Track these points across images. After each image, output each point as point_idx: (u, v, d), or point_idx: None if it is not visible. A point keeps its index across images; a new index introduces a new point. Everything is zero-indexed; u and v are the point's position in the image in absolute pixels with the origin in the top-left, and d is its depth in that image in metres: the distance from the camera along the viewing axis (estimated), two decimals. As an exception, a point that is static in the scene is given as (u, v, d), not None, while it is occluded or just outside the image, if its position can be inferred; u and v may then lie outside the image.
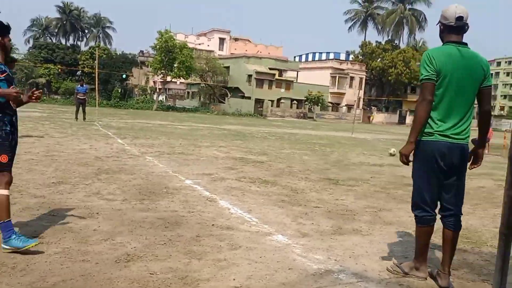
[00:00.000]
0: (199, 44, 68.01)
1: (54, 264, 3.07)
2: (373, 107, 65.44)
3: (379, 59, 66.30)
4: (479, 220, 5.26)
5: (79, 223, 4.04)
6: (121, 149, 9.82)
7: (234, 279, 3.01)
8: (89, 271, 2.97)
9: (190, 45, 51.78)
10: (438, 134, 3.08)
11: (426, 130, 3.12)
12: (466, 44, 3.16)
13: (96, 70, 21.92)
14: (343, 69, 63.44)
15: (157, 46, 44.33)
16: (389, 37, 71.05)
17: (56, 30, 67.35)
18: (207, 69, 52.56)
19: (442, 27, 3.20)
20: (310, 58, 71.19)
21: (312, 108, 55.41)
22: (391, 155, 12.55)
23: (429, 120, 3.10)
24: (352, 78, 63.56)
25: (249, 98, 52.83)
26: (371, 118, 58.56)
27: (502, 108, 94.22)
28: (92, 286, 2.76)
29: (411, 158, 3.19)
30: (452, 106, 3.08)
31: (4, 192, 3.29)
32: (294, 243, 3.92)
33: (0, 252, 3.23)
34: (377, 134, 29.22)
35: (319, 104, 55.42)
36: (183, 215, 4.56)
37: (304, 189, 6.57)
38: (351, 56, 70.64)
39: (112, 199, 5.04)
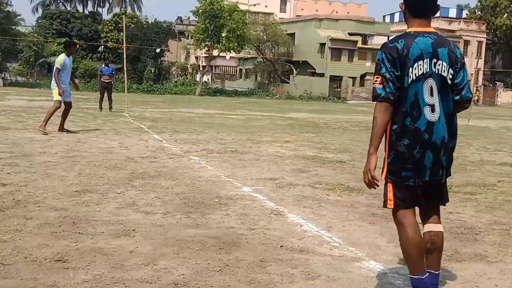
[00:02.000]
0: (254, 5, 68.48)
1: (84, 294, 3.26)
2: (498, 83, 62.61)
3: (506, 15, 63.24)
4: None
5: (111, 242, 4.26)
6: (158, 147, 10.17)
7: (313, 319, 3.04)
8: (127, 304, 3.12)
9: (242, 7, 52.38)
10: None
11: None
12: None
13: (124, 45, 22.69)
14: (453, 31, 61.31)
15: (200, 11, 45.33)
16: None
17: (70, -6, 70.25)
18: (265, 38, 52.96)
19: None
20: (406, 18, 69.30)
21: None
22: None
23: None
24: (467, 43, 61.27)
25: (322, 75, 52.60)
26: (476, 97, 56.26)
27: None
28: (132, 323, 2.91)
29: None
30: None
31: None
32: (393, 273, 3.88)
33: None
34: (505, 120, 27.97)
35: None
36: (242, 233, 4.66)
37: (403, 198, 6.46)
38: (464, 13, 68.16)
39: (151, 212, 5.25)
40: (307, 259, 4.06)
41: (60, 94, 11.62)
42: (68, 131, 11.77)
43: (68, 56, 11.89)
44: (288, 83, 53.11)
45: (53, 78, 11.82)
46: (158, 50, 55.80)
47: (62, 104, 11.80)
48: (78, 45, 54.47)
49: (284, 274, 3.72)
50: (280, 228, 4.90)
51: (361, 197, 6.44)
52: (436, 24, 62.13)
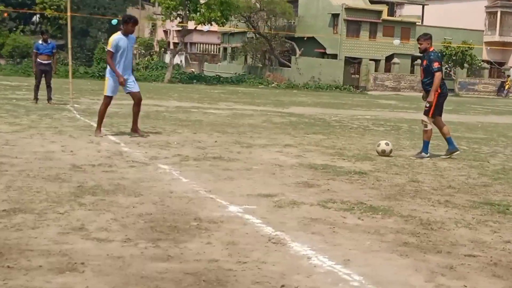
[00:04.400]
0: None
1: None
2: None
3: None
4: None
5: (53, 280, 4.23)
6: (115, 152, 10.15)
7: None
8: None
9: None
10: None
11: None
12: None
13: (68, 14, 22.62)
14: (509, -1, 61.65)
15: (171, -31, 45.27)
16: None
17: None
18: (258, 6, 53.06)
19: None
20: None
21: (452, 72, 54.35)
22: (383, 153, 11.34)
23: None
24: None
25: (334, 56, 52.77)
26: (507, 85, 56.53)
27: None
28: None
29: None
30: None
31: None
32: (433, 322, 3.88)
33: None
34: None
35: (466, 64, 54.27)
36: (229, 268, 4.64)
37: (445, 222, 6.49)
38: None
39: (106, 239, 5.23)
40: (317, 304, 4.06)
41: (121, 84, 12.02)
42: (141, 134, 12.35)
43: (125, 35, 12.06)
44: (290, 67, 53.18)
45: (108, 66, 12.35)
46: (114, 22, 55.60)
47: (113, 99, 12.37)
48: (5, 14, 54.37)
49: (287, 324, 3.71)
50: (281, 262, 4.88)
51: (389, 220, 6.45)
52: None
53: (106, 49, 12.38)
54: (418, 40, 11.59)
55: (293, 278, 4.54)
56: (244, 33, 57.88)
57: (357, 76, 53.24)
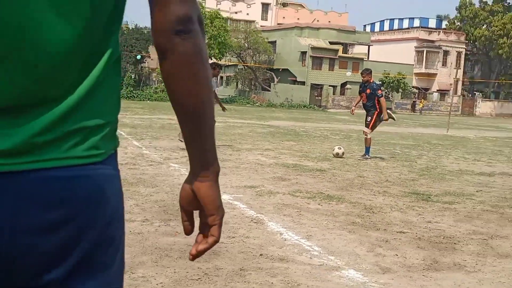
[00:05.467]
0: (236, 12, 68.69)
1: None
2: (476, 93, 63.54)
3: (485, 26, 64.38)
4: None
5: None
6: (138, 154, 10.11)
7: (292, 328, 3.04)
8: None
9: (224, 14, 52.51)
10: None
11: None
12: None
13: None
14: (433, 41, 62.22)
15: (181, 17, 45.27)
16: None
17: None
18: (246, 45, 53.09)
19: None
20: (386, 27, 70.30)
21: (390, 96, 54.62)
22: (337, 155, 11.31)
23: None
24: (446, 53, 62.22)
25: (303, 83, 52.87)
26: (421, 104, 55.44)
27: None
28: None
29: None
30: None
31: None
32: (373, 282, 3.90)
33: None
34: (484, 130, 28.40)
35: (400, 90, 54.56)
36: (221, 241, 4.62)
37: (383, 207, 6.52)
38: (444, 23, 69.10)
39: (130, 220, 5.21)
40: (286, 268, 4.06)
41: None
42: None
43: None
44: (269, 91, 53.18)
45: None
46: (138, 57, 55.59)
47: None
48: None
49: (264, 283, 3.71)
50: (260, 237, 4.89)
51: (341, 205, 6.47)
52: (415, 34, 63.12)
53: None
54: (361, 74, 11.64)
55: (269, 249, 4.54)
56: (235, 65, 57.89)
57: (319, 98, 53.24)
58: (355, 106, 11.97)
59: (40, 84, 0.86)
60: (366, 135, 11.34)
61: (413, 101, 57.00)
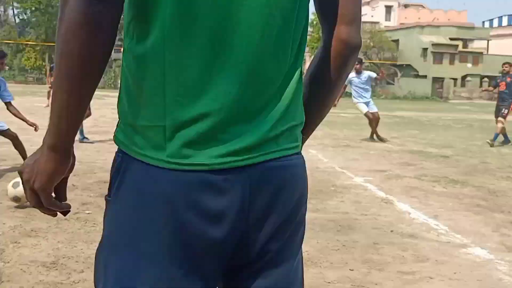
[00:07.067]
0: (362, 15, 66.80)
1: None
2: None
3: None
4: None
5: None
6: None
7: (424, 297, 2.96)
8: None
9: (352, 18, 51.27)
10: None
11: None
12: None
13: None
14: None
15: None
16: None
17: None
18: (371, 44, 51.53)
19: None
20: (505, 23, 64.36)
21: None
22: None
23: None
24: None
25: (424, 77, 50.21)
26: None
27: None
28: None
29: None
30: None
31: None
32: (498, 259, 3.66)
33: None
34: None
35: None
36: (356, 218, 4.62)
37: (506, 191, 6.05)
38: None
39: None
40: (416, 244, 3.94)
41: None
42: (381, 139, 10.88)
43: None
44: (393, 84, 51.22)
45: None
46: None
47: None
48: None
49: (396, 256, 3.65)
50: (390, 215, 4.79)
51: (465, 189, 6.10)
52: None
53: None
54: (503, 65, 11.32)
55: (399, 226, 4.44)
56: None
57: (441, 90, 50.23)
58: (491, 90, 12.11)
59: (266, 96, 0.95)
60: (503, 123, 10.72)
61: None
